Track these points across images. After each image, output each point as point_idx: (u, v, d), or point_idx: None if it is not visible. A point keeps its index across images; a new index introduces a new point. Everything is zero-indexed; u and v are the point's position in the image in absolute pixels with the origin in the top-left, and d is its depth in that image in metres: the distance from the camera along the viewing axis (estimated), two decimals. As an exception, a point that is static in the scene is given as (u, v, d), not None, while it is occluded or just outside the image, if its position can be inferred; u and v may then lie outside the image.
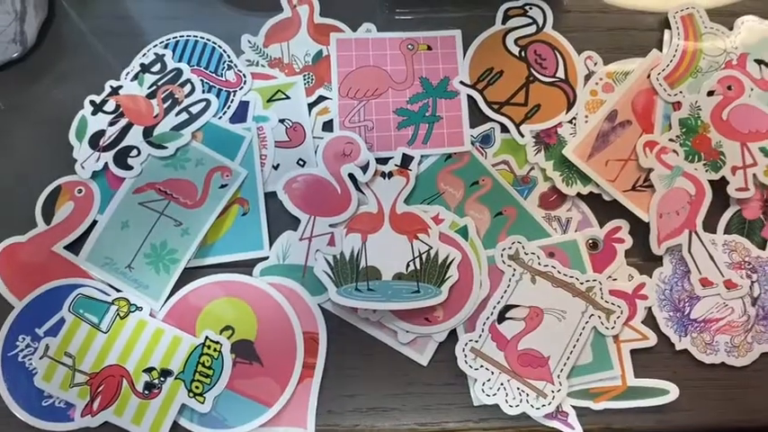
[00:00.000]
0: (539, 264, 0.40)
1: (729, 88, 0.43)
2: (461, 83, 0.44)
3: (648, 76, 0.44)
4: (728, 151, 0.42)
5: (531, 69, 0.45)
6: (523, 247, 0.41)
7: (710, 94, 0.43)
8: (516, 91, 0.44)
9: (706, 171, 0.42)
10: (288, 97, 0.44)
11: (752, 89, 0.43)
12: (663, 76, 0.44)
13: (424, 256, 0.40)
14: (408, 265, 0.40)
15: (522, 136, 0.43)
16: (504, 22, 0.46)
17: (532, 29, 0.46)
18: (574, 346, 0.39)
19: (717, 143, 0.42)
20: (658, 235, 0.41)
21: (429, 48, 0.45)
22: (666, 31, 0.45)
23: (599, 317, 0.39)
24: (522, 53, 0.45)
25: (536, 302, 0.40)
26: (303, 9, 0.46)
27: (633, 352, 0.40)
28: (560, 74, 0.45)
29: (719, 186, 0.42)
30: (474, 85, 0.44)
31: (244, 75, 0.44)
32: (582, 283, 0.40)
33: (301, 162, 0.43)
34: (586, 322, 0.39)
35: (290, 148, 0.43)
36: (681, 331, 0.41)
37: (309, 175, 0.42)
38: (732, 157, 0.42)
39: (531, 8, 0.46)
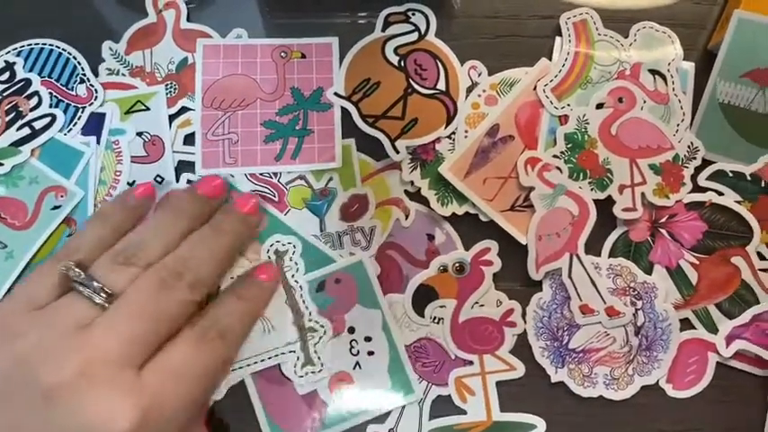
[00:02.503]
0: (291, 276, 0.38)
1: (620, 101, 0.40)
2: (336, 94, 0.42)
3: (535, 88, 0.41)
4: (616, 168, 0.40)
5: (411, 80, 0.42)
6: (294, 253, 0.38)
7: (600, 106, 0.40)
8: (393, 103, 0.42)
9: (591, 190, 0.39)
10: (148, 108, 0.41)
11: (644, 101, 0.40)
12: (550, 87, 0.41)
13: None
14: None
15: (398, 152, 0.41)
16: (384, 29, 0.43)
17: (414, 36, 0.43)
18: (255, 363, 0.36)
19: (604, 160, 0.40)
20: (537, 258, 0.39)
21: (303, 56, 0.42)
22: (557, 38, 0.42)
23: (297, 358, 0.37)
24: (402, 63, 0.42)
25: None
26: (169, 14, 0.43)
27: (504, 384, 0.38)
28: (441, 85, 0.42)
29: (606, 206, 0.39)
30: (349, 97, 0.42)
31: (96, 90, 0.41)
32: (310, 320, 0.37)
33: (159, 179, 0.40)
34: (283, 353, 0.37)
35: (148, 164, 0.40)
36: (558, 362, 0.38)
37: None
38: (620, 175, 0.40)
39: (413, 14, 0.43)
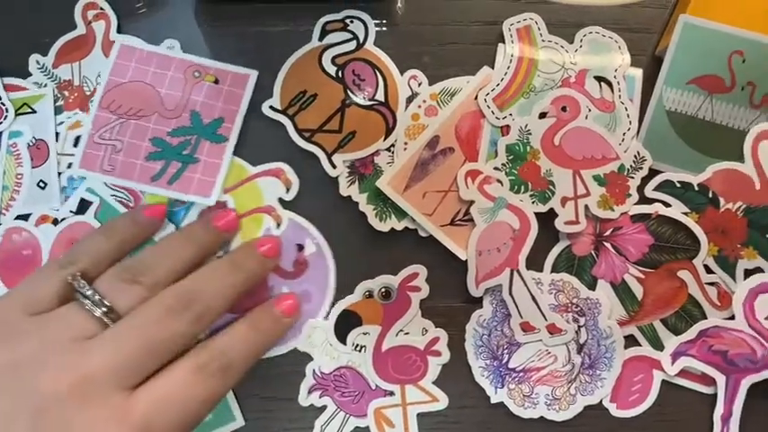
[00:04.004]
0: None
1: (564, 109, 0.39)
2: (271, 108, 0.40)
3: (476, 98, 0.40)
4: (559, 180, 0.38)
5: (348, 91, 0.40)
6: None
7: (543, 116, 0.39)
8: (330, 116, 0.40)
9: (533, 202, 0.38)
10: (34, 111, 0.40)
11: (589, 110, 0.39)
12: (492, 96, 0.40)
13: None
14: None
15: (334, 167, 0.39)
16: (321, 38, 0.41)
17: (352, 45, 0.41)
18: None
19: (546, 171, 0.38)
20: (476, 275, 0.38)
21: (216, 81, 0.40)
22: (500, 45, 0.41)
23: None
24: (340, 73, 0.41)
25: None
26: (99, 25, 0.42)
27: (427, 416, 0.37)
28: (380, 96, 0.40)
29: (548, 219, 0.38)
30: (284, 111, 0.40)
31: (6, 109, 0.40)
32: None
33: (42, 184, 0.39)
34: None
35: (32, 169, 0.39)
36: (497, 382, 0.37)
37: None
38: (563, 187, 0.38)
39: (351, 21, 0.41)
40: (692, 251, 0.38)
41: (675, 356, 0.37)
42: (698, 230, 0.38)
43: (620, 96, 0.40)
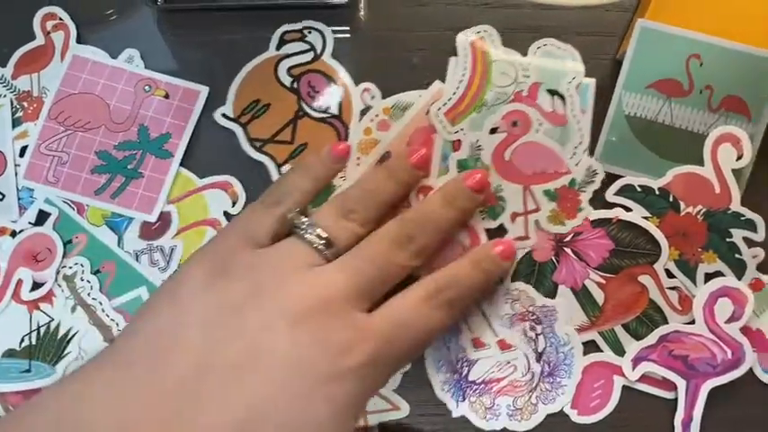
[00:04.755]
0: (87, 295, 0.37)
1: (515, 124, 0.39)
2: (223, 115, 0.40)
3: (428, 112, 0.39)
4: (509, 196, 0.38)
5: (302, 103, 0.40)
6: (83, 272, 0.38)
7: (494, 131, 0.39)
8: (283, 127, 0.40)
9: (483, 218, 0.38)
10: None
11: (540, 123, 0.39)
12: (444, 111, 0.39)
13: (42, 330, 0.37)
14: (23, 340, 0.37)
15: None
16: (279, 48, 0.41)
17: (309, 56, 0.41)
18: None
19: (497, 187, 0.38)
20: (434, 285, 0.37)
21: (167, 95, 0.40)
22: (452, 59, 0.41)
23: None
24: (295, 84, 0.41)
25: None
26: (58, 36, 0.41)
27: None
28: (334, 109, 0.40)
29: (500, 235, 0.38)
30: (237, 119, 0.40)
31: None
32: (119, 331, 0.37)
33: (0, 196, 0.39)
34: None
35: None
36: (459, 396, 0.37)
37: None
38: (513, 203, 0.38)
39: (309, 32, 0.41)
40: (652, 256, 0.38)
41: (636, 362, 0.37)
42: (659, 235, 0.38)
43: (572, 110, 0.39)
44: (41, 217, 0.39)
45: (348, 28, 0.42)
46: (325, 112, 0.40)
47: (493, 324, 0.37)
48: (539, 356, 0.37)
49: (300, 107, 0.40)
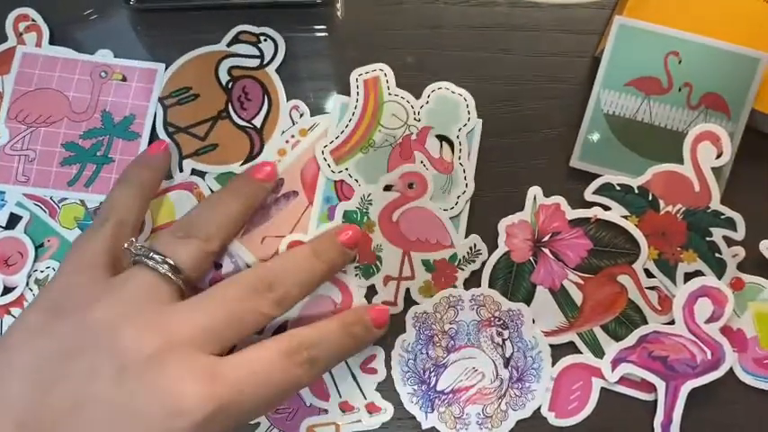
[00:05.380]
0: None
1: (411, 186, 0.38)
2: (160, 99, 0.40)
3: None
4: (387, 258, 0.37)
5: (230, 105, 0.40)
6: None
7: (388, 188, 0.38)
8: (201, 121, 0.39)
9: (356, 275, 0.37)
10: None
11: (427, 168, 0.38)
12: (329, 149, 0.38)
13: None
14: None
15: (181, 171, 0.39)
16: (229, 45, 0.41)
17: (254, 62, 0.40)
18: None
19: (377, 246, 0.37)
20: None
21: (124, 78, 0.40)
22: (343, 97, 0.39)
23: None
24: (230, 84, 0.40)
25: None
26: (30, 36, 0.41)
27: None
28: (258, 120, 0.39)
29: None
30: (162, 99, 0.40)
31: None
32: None
33: None
34: None
35: None
36: (427, 407, 0.36)
37: None
38: (389, 265, 0.37)
39: (265, 39, 0.40)
40: (631, 255, 0.37)
41: (615, 363, 0.36)
42: (638, 234, 0.37)
43: (459, 157, 0.38)
44: (12, 220, 0.39)
45: (325, 27, 0.42)
46: (248, 121, 0.39)
47: (363, 388, 0.36)
48: (506, 362, 0.37)
49: (226, 108, 0.40)
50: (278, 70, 0.40)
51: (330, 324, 0.32)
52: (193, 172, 0.39)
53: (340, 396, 0.36)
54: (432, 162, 0.38)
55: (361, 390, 0.36)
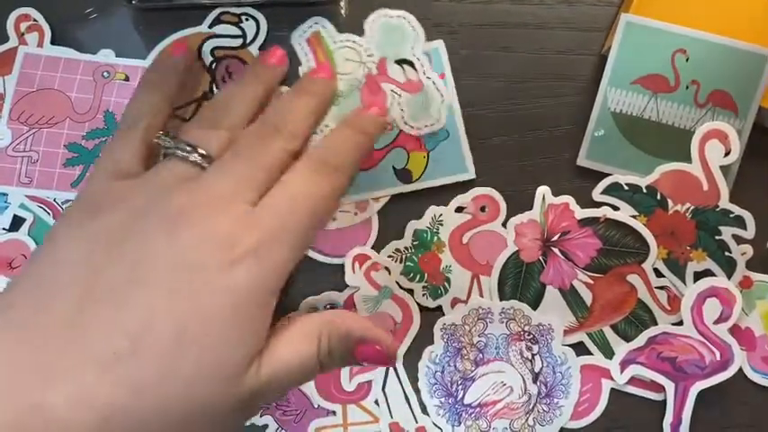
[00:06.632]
0: None
1: (483, 210, 0.38)
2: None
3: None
4: (456, 279, 0.37)
5: (214, 86, 0.40)
6: None
7: (460, 210, 0.38)
8: (186, 104, 0.39)
9: (423, 295, 0.37)
10: None
11: (398, 95, 0.38)
12: None
13: None
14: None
15: None
16: (211, 26, 0.40)
17: (237, 42, 0.40)
18: None
19: (446, 267, 0.37)
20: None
21: (127, 78, 0.40)
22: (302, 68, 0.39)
23: None
24: (213, 65, 0.40)
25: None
26: (32, 37, 0.40)
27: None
28: None
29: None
30: None
31: None
32: None
33: None
34: None
35: None
36: (454, 420, 0.36)
37: None
38: (457, 288, 0.37)
39: (247, 19, 0.40)
40: (641, 255, 0.37)
41: (624, 365, 0.36)
42: (647, 233, 0.37)
43: (424, 72, 0.38)
44: (16, 222, 0.38)
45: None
46: None
47: (414, 410, 0.36)
48: (535, 377, 0.36)
49: (211, 89, 0.40)
50: (261, 49, 0.40)
51: (343, 129, 0.33)
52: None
53: (391, 417, 0.36)
54: (401, 87, 0.38)
55: (412, 412, 0.36)
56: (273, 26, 0.40)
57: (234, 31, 0.40)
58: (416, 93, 0.38)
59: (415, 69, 0.38)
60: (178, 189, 0.28)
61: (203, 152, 0.30)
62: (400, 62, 0.38)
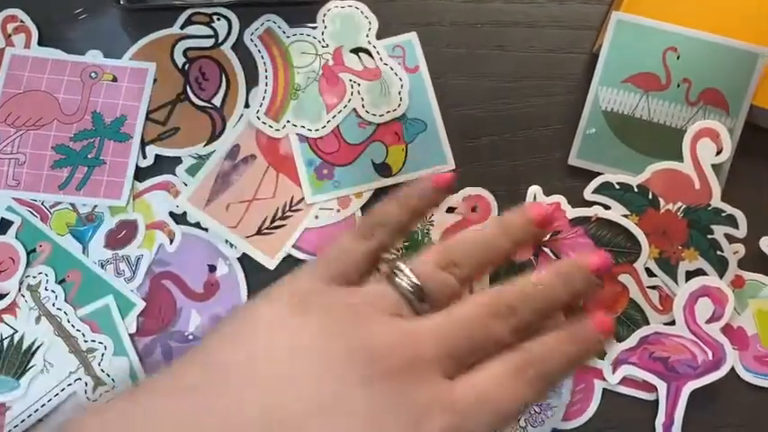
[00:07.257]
0: (52, 305, 0.37)
1: (474, 209, 0.38)
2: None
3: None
4: None
5: (188, 87, 0.39)
6: (48, 282, 0.37)
7: (451, 210, 0.38)
8: (161, 106, 0.39)
9: None
10: None
11: (358, 85, 0.38)
12: (263, 111, 0.38)
13: (5, 342, 0.36)
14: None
15: (145, 158, 0.39)
16: (183, 27, 0.40)
17: (209, 42, 0.40)
18: (42, 405, 0.35)
19: None
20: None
21: (115, 79, 0.39)
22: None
23: (86, 383, 0.36)
24: (186, 66, 0.40)
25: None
26: (19, 38, 0.40)
27: None
28: (217, 100, 0.39)
29: None
30: None
31: None
32: (86, 341, 0.36)
33: None
34: (69, 384, 0.36)
35: None
36: None
37: None
38: None
39: (218, 19, 0.40)
40: (632, 254, 0.37)
41: (616, 365, 0.36)
42: (638, 233, 0.37)
43: (381, 59, 0.39)
44: (3, 225, 0.38)
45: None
46: (207, 101, 0.39)
47: None
48: None
49: (184, 91, 0.39)
50: (233, 48, 0.40)
51: (557, 337, 0.29)
52: (157, 158, 0.39)
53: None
54: (359, 76, 0.38)
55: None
56: (245, 25, 0.40)
57: (206, 31, 0.40)
58: (375, 80, 0.38)
59: (372, 57, 0.38)
60: (387, 325, 0.27)
61: (423, 291, 0.28)
62: (356, 51, 0.38)
